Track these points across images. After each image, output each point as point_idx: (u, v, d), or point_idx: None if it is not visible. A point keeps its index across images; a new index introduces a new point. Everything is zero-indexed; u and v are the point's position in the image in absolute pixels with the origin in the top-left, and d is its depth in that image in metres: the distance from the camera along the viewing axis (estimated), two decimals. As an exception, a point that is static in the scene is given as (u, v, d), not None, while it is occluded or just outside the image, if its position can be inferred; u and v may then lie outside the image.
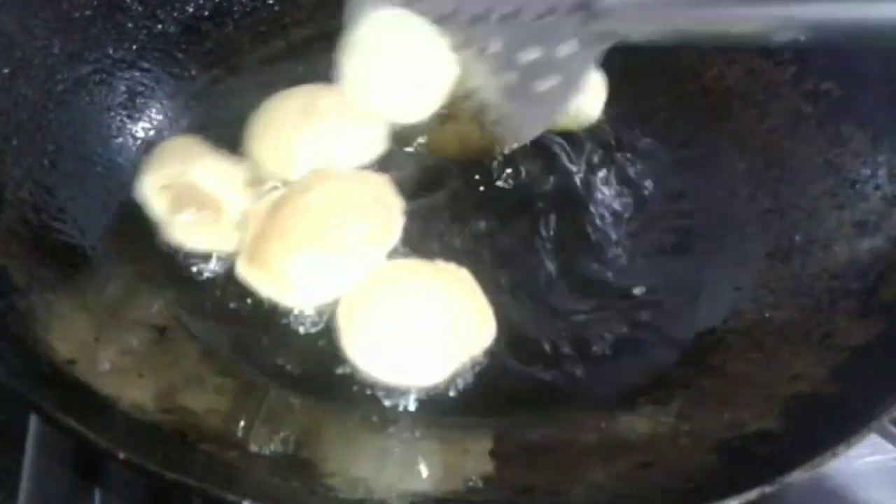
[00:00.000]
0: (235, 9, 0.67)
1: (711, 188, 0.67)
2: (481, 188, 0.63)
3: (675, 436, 0.49)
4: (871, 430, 0.43)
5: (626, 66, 0.65)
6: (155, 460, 0.42)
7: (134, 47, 0.52)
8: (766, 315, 0.54)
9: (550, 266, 0.60)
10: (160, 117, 0.61)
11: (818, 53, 0.64)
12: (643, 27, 0.57)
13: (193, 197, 0.60)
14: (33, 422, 0.60)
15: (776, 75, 0.66)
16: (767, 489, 0.40)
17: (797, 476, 0.41)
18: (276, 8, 0.70)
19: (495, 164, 0.63)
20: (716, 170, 0.68)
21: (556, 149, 0.67)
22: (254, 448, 0.46)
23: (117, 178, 0.57)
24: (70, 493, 0.60)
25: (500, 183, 0.63)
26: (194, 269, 0.57)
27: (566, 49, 0.60)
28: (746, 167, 0.66)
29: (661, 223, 0.64)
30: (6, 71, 0.54)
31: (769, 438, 0.46)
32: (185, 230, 0.60)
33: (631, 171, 0.69)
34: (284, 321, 0.55)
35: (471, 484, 0.46)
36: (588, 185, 0.67)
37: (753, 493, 0.40)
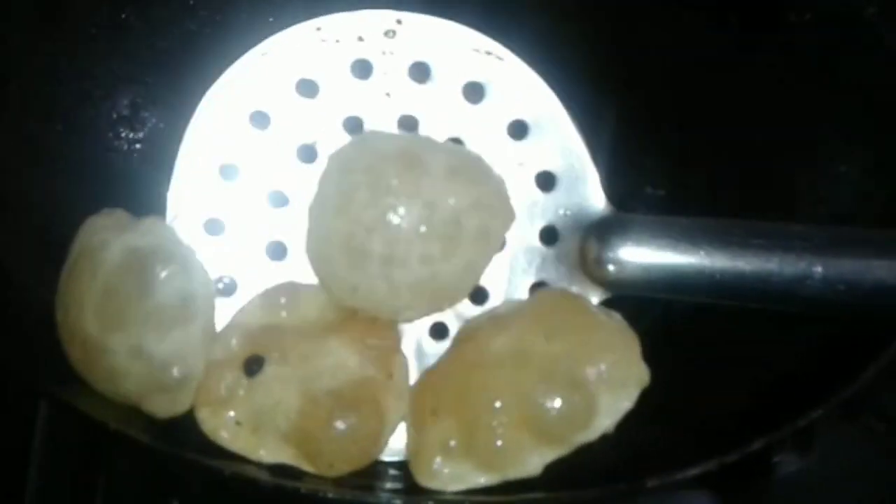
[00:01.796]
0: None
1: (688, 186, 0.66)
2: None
3: (651, 416, 0.48)
4: (830, 406, 0.44)
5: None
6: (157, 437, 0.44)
7: (137, 63, 0.52)
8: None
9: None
10: (162, 125, 0.60)
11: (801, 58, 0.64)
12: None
13: (344, 400, 0.47)
14: (41, 411, 0.61)
15: (757, 80, 0.66)
16: (726, 459, 0.43)
17: (755, 446, 0.43)
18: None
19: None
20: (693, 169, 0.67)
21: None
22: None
23: (119, 187, 0.57)
24: (77, 482, 0.61)
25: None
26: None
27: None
28: (727, 169, 0.65)
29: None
30: (14, 86, 0.54)
31: (739, 416, 0.47)
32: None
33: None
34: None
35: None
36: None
37: (712, 463, 0.43)
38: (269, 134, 0.51)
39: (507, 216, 0.50)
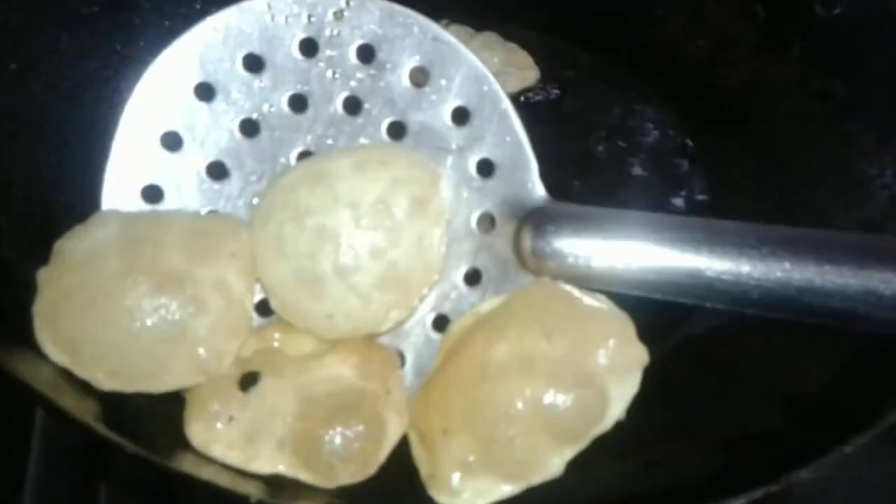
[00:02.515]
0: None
1: (716, 187, 0.67)
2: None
3: (680, 435, 0.48)
4: (876, 430, 0.42)
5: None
6: (160, 453, 0.43)
7: (141, 43, 0.53)
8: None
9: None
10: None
11: (824, 53, 0.63)
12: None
13: (342, 402, 0.46)
14: (39, 417, 0.62)
15: (783, 75, 0.65)
16: (773, 488, 0.40)
17: (802, 476, 0.41)
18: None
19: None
20: (722, 169, 0.67)
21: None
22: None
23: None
24: (76, 489, 0.61)
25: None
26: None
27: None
28: (753, 167, 0.65)
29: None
30: (14, 67, 0.55)
31: (774, 437, 0.46)
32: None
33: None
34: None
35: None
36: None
37: (759, 493, 0.40)
38: (213, 106, 0.52)
39: (432, 178, 0.50)
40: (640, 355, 0.45)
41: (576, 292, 0.47)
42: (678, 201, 0.67)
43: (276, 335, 0.49)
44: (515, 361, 0.45)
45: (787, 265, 0.45)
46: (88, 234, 0.47)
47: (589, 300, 0.47)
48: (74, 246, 0.47)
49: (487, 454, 0.44)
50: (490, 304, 0.49)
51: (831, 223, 0.58)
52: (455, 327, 0.50)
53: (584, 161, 0.68)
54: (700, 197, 0.67)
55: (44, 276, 0.47)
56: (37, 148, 0.54)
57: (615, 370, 0.44)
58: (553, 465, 0.44)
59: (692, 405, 0.50)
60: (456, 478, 0.45)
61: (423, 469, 0.46)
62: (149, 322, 0.44)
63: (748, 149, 0.66)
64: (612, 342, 0.45)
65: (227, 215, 0.51)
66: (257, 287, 0.49)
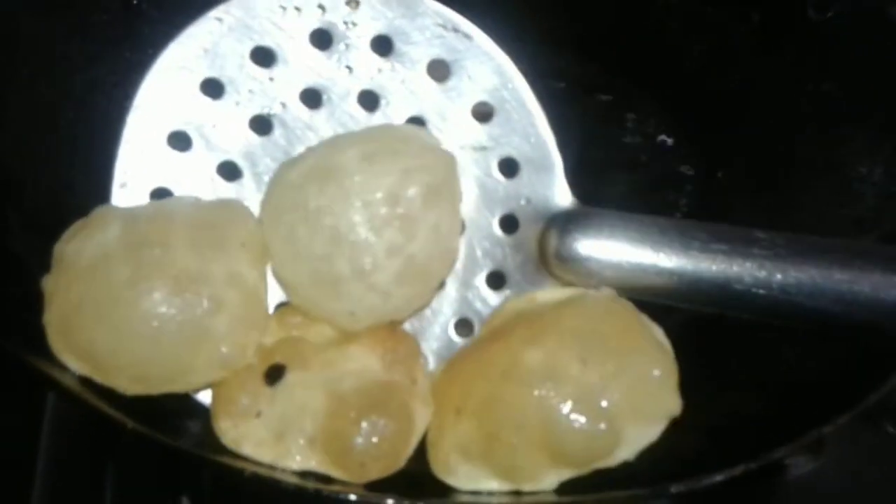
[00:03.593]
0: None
1: (713, 189, 0.66)
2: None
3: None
4: (855, 411, 0.42)
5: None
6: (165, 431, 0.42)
7: (150, 50, 0.50)
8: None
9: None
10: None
11: (817, 55, 0.62)
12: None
13: (371, 399, 0.45)
14: (50, 401, 0.62)
15: (778, 78, 0.64)
16: (753, 465, 0.41)
17: (780, 453, 0.42)
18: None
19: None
20: (718, 170, 0.67)
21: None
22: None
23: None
24: (85, 470, 0.62)
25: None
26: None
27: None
28: (750, 168, 0.64)
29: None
30: (26, 72, 0.54)
31: (757, 420, 0.46)
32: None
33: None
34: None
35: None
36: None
37: (738, 469, 0.41)
38: (222, 103, 0.48)
39: (445, 163, 0.47)
40: (671, 407, 0.43)
41: (637, 318, 0.46)
42: (676, 202, 0.67)
43: (298, 319, 0.47)
44: (543, 374, 0.43)
45: (819, 277, 0.44)
46: (90, 238, 0.44)
47: (646, 332, 0.45)
48: (77, 251, 0.44)
49: (487, 449, 0.43)
50: (549, 293, 0.48)
51: (824, 221, 0.57)
52: (508, 306, 0.48)
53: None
54: (696, 198, 0.67)
55: (50, 285, 0.44)
56: (47, 150, 0.54)
57: (639, 415, 0.43)
58: (547, 480, 0.43)
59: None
60: (453, 457, 0.44)
61: (430, 435, 0.46)
62: (167, 327, 0.42)
63: (744, 150, 0.65)
64: (647, 388, 0.43)
65: (230, 202, 0.48)
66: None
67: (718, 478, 0.41)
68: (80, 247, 0.44)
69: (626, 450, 0.42)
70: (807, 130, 0.62)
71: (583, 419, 0.41)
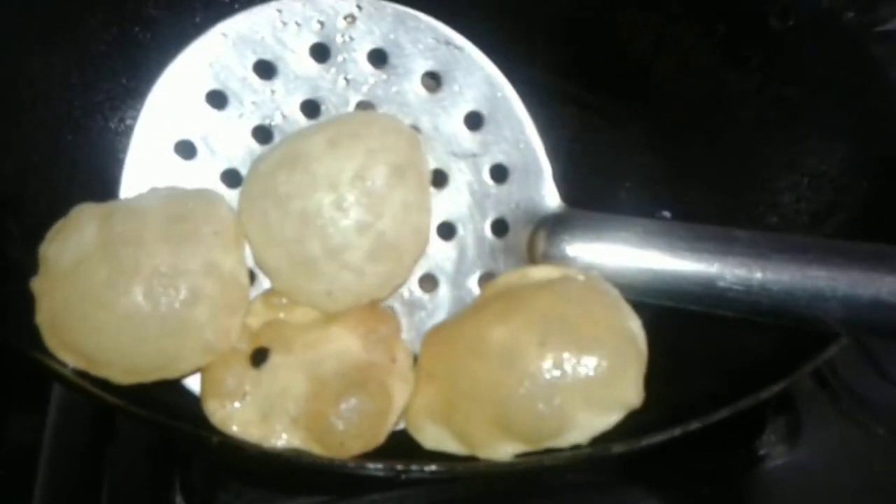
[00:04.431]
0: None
1: (684, 190, 0.68)
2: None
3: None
4: (790, 379, 0.45)
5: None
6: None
7: (146, 78, 0.51)
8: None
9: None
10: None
11: (780, 62, 0.65)
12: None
13: (350, 381, 0.46)
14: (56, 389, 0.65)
15: (743, 85, 0.66)
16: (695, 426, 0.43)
17: (721, 415, 0.43)
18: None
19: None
20: (687, 171, 0.69)
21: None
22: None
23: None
24: (87, 449, 0.64)
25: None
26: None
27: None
28: (717, 171, 0.67)
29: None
30: (28, 98, 0.55)
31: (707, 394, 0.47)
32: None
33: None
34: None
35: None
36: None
37: (677, 430, 0.43)
38: (226, 114, 0.50)
39: (409, 143, 0.48)
40: (629, 399, 0.43)
41: (612, 307, 0.46)
42: (650, 205, 0.67)
43: (284, 300, 0.48)
44: (502, 351, 0.44)
45: (798, 275, 0.45)
46: (69, 238, 0.45)
47: (615, 322, 0.45)
48: (58, 253, 0.45)
49: (448, 414, 0.45)
50: (541, 271, 0.48)
51: (782, 214, 0.60)
52: (501, 279, 0.49)
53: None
54: (668, 199, 0.68)
55: (38, 286, 0.45)
56: (48, 169, 0.55)
57: (593, 402, 0.43)
58: (501, 451, 0.44)
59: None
60: (422, 418, 0.46)
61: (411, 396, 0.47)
62: (149, 322, 0.43)
63: (712, 153, 0.68)
64: (603, 379, 0.43)
65: (201, 192, 0.49)
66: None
67: (658, 438, 0.42)
68: (60, 248, 0.45)
69: (578, 434, 0.43)
70: (769, 132, 0.64)
71: (530, 400, 0.42)
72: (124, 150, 0.50)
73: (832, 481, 0.64)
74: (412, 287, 0.51)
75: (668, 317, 0.49)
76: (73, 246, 0.45)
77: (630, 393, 0.43)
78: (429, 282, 0.51)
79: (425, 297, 0.51)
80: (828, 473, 0.64)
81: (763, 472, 0.65)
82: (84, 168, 0.56)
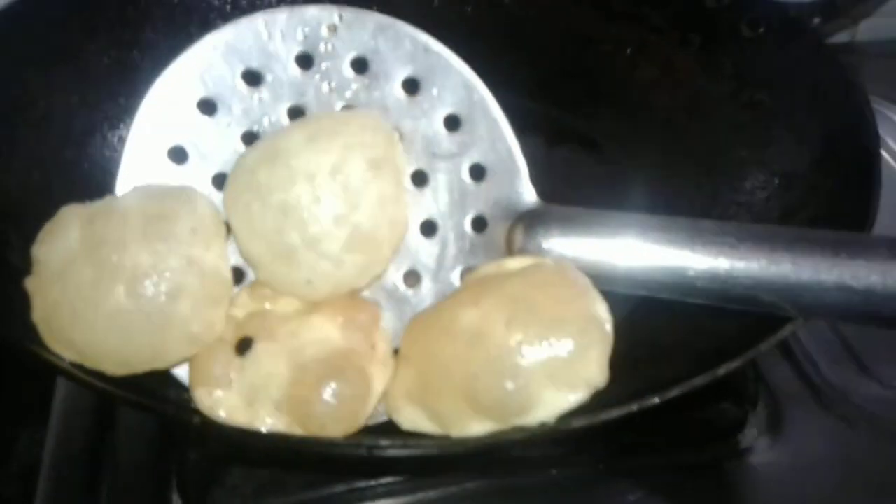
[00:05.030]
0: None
1: (661, 190, 0.70)
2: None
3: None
4: (747, 358, 0.46)
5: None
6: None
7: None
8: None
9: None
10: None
11: (752, 68, 0.67)
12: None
13: (330, 367, 0.47)
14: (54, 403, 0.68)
15: (718, 91, 0.69)
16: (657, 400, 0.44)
17: (677, 392, 0.44)
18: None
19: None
20: (664, 172, 0.71)
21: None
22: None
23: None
24: (89, 437, 0.67)
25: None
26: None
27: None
28: (694, 172, 0.68)
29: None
30: (31, 118, 0.58)
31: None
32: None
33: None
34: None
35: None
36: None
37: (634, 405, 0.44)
38: (216, 120, 0.52)
39: (385, 139, 0.50)
40: (594, 379, 0.44)
41: (578, 290, 0.47)
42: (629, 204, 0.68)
43: (268, 291, 0.50)
44: (471, 332, 0.45)
45: (765, 262, 0.46)
46: (56, 240, 0.48)
47: (580, 304, 0.46)
48: (47, 254, 0.47)
49: (422, 394, 0.46)
50: (516, 262, 0.49)
51: (756, 212, 0.62)
52: (481, 270, 0.50)
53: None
54: (644, 199, 0.70)
55: (31, 285, 0.47)
56: (49, 184, 0.57)
57: (558, 381, 0.44)
58: (473, 429, 0.45)
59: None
60: (399, 400, 0.47)
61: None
62: (135, 319, 0.45)
63: (689, 155, 0.70)
64: (567, 358, 0.44)
65: (180, 189, 0.50)
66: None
67: (616, 413, 0.43)
68: (49, 249, 0.47)
69: (543, 411, 0.44)
70: (743, 135, 0.66)
71: (497, 377, 0.43)
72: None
73: (814, 474, 0.65)
74: (397, 283, 0.53)
75: (644, 308, 0.51)
76: (59, 247, 0.47)
77: (594, 372, 0.44)
78: (412, 277, 0.53)
79: (409, 292, 0.53)
80: (810, 467, 0.65)
81: (746, 466, 0.65)
82: (82, 183, 0.58)
